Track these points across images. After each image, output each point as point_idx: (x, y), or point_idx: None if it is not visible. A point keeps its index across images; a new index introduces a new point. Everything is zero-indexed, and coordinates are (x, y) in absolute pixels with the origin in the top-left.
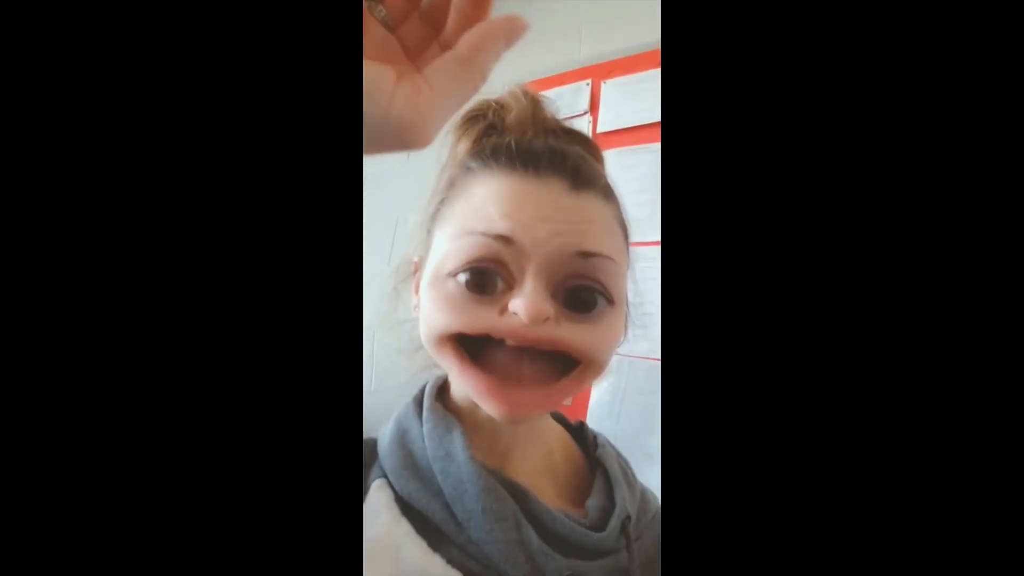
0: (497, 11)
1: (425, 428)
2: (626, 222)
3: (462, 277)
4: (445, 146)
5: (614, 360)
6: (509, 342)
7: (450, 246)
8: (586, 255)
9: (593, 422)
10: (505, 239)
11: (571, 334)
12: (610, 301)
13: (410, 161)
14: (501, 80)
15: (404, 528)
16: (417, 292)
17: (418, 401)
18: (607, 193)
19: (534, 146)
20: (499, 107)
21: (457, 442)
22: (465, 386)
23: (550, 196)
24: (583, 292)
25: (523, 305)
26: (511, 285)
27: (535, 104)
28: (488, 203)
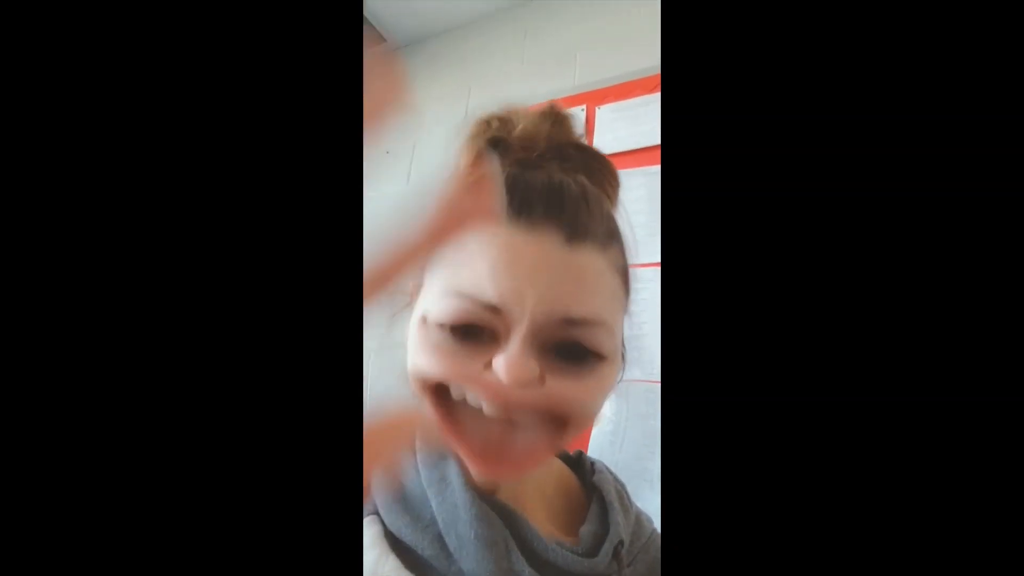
0: (492, 34)
1: (419, 456)
2: (627, 266)
3: (448, 329)
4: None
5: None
6: (485, 407)
7: (438, 300)
8: (572, 322)
9: (595, 453)
10: (493, 308)
11: (558, 391)
12: (600, 357)
13: (408, 186)
14: (500, 107)
15: (392, 564)
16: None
17: None
18: (606, 239)
19: (536, 182)
20: (504, 119)
21: (452, 467)
22: (448, 442)
23: (542, 253)
24: (572, 349)
25: (505, 366)
26: (497, 341)
27: (557, 122)
28: (478, 259)
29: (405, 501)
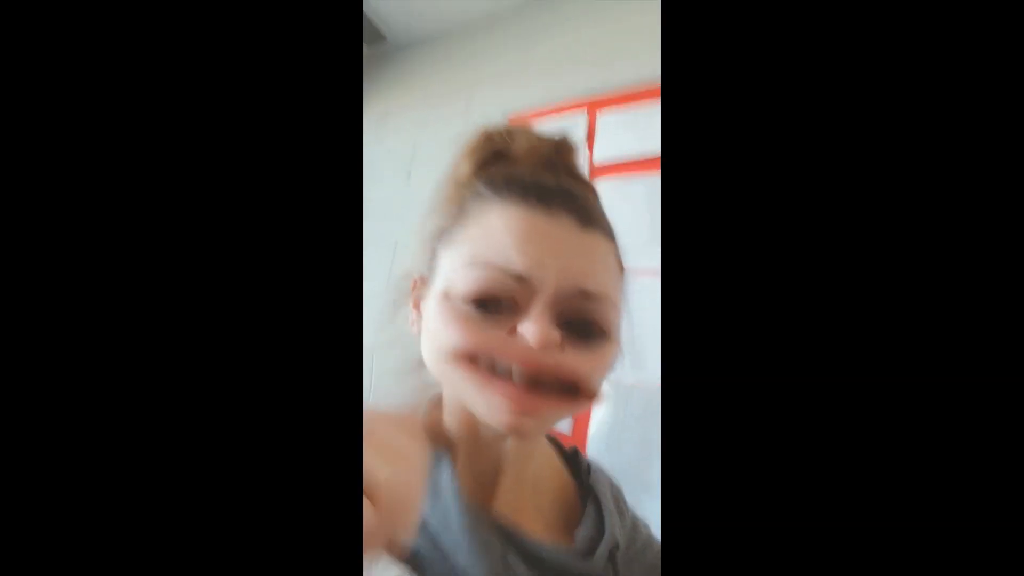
0: (495, 37)
1: None
2: (621, 259)
3: (472, 300)
4: (450, 166)
5: (611, 391)
6: (517, 368)
7: (462, 272)
8: (587, 295)
9: (591, 455)
10: (520, 278)
11: (575, 361)
12: (605, 335)
13: (410, 186)
14: (500, 110)
15: (385, 561)
16: (416, 308)
17: None
18: (608, 233)
19: (547, 182)
20: (508, 136)
21: (445, 474)
22: (481, 397)
23: (561, 232)
24: (582, 325)
25: (533, 330)
26: (518, 312)
27: (560, 149)
28: (504, 235)
29: None
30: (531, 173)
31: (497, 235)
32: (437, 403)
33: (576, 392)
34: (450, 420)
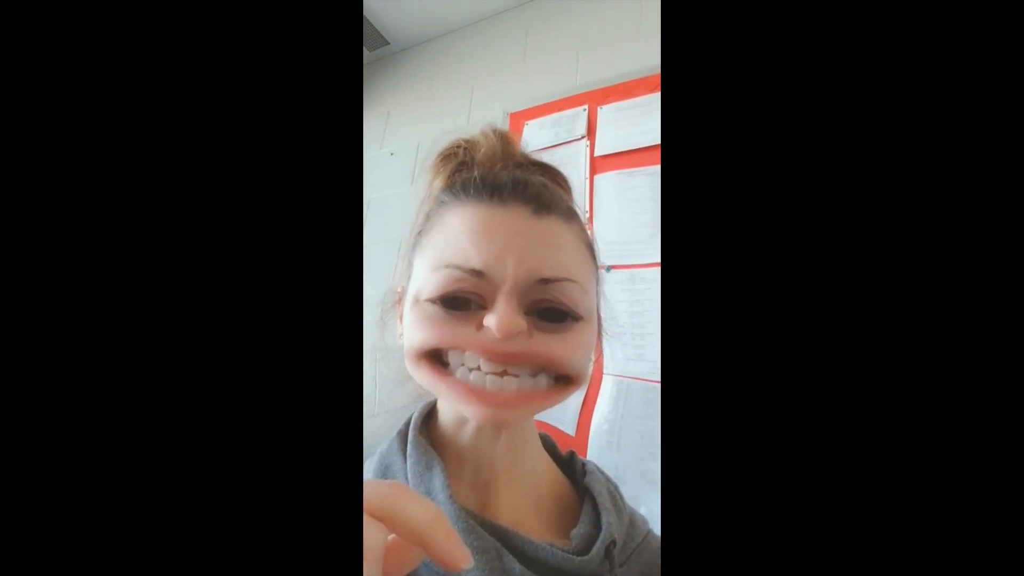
0: (493, 34)
1: (408, 462)
2: (590, 241)
3: (439, 302)
4: (424, 182)
5: (613, 386)
6: (483, 365)
7: (429, 276)
8: (547, 281)
9: (594, 453)
10: (478, 273)
11: (544, 345)
12: (575, 318)
13: (414, 188)
14: (501, 108)
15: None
16: (401, 320)
17: (402, 434)
18: (569, 215)
19: (499, 177)
20: (469, 145)
21: (437, 480)
22: (446, 396)
23: (514, 222)
24: (549, 310)
25: (496, 320)
26: (484, 306)
27: (503, 140)
28: (461, 235)
29: None
30: (487, 172)
31: (455, 235)
32: (431, 409)
33: (557, 377)
34: (443, 423)
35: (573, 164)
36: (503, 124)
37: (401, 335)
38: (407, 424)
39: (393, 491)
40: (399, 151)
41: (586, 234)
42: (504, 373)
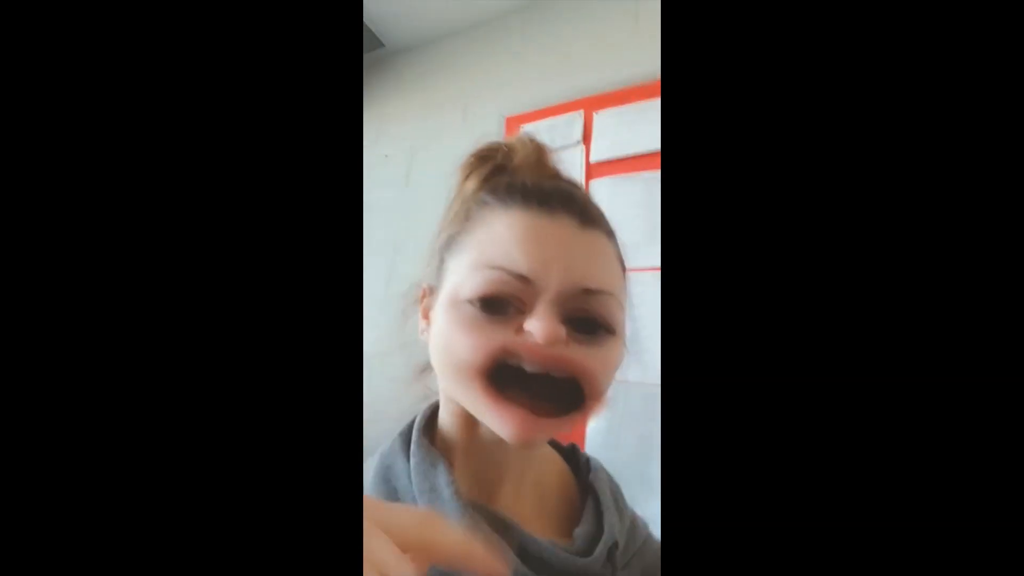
0: (489, 38)
1: (412, 463)
2: (623, 257)
3: (478, 303)
4: (454, 181)
5: (610, 389)
6: (526, 364)
7: (469, 275)
8: (590, 292)
9: (590, 452)
10: (523, 278)
11: (581, 356)
12: (610, 331)
13: (408, 190)
14: (498, 112)
15: None
16: (425, 317)
17: (404, 436)
18: (610, 232)
19: (546, 186)
20: (508, 150)
21: (442, 477)
22: (490, 419)
23: (562, 233)
24: (587, 322)
25: (539, 326)
26: (523, 311)
27: (539, 151)
28: (507, 238)
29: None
30: (531, 179)
31: (501, 238)
32: (435, 409)
33: (582, 395)
34: (448, 424)
35: (569, 170)
36: (499, 128)
37: (423, 331)
38: (410, 426)
39: (426, 519)
40: (394, 154)
41: (620, 253)
42: (547, 377)
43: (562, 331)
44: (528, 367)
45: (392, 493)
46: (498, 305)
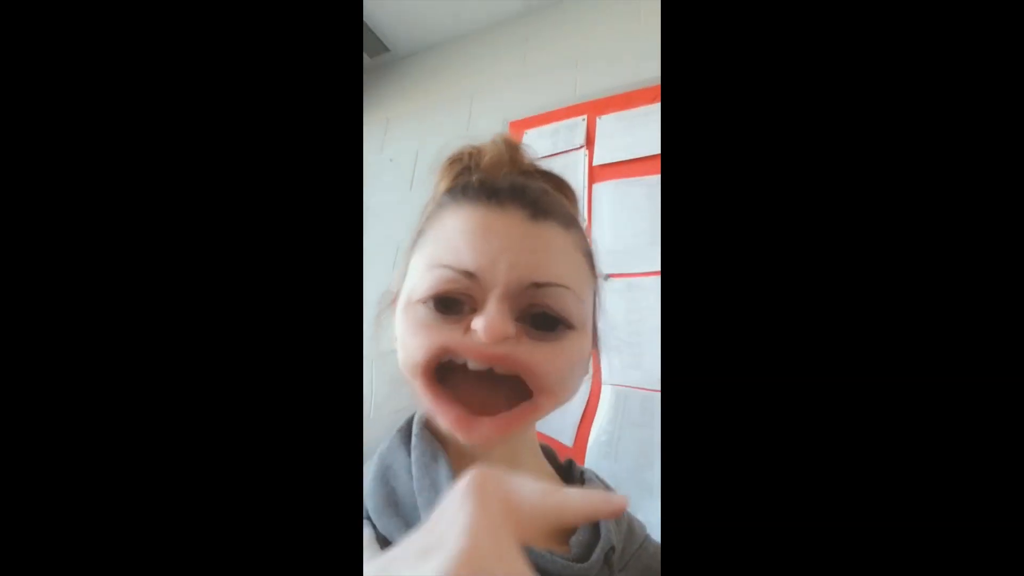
0: (493, 43)
1: (413, 455)
2: (590, 250)
3: (431, 303)
4: (430, 186)
5: (611, 395)
6: (470, 363)
7: (422, 276)
8: (539, 285)
9: (591, 462)
10: (469, 274)
11: (528, 354)
12: (568, 326)
13: (412, 194)
14: (501, 116)
15: None
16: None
17: (403, 432)
18: (568, 222)
19: (498, 182)
20: (476, 151)
21: (443, 472)
22: (438, 418)
23: (510, 225)
24: (544, 318)
25: (483, 324)
26: (476, 309)
27: (511, 148)
28: (455, 235)
29: (396, 506)
30: (485, 176)
31: (449, 236)
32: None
33: (538, 391)
34: (438, 425)
35: (572, 173)
36: (503, 132)
37: (395, 338)
38: (409, 422)
39: (546, 487)
40: (398, 157)
41: (586, 243)
42: (491, 376)
43: (508, 327)
44: (471, 365)
45: (391, 494)
46: (451, 304)
